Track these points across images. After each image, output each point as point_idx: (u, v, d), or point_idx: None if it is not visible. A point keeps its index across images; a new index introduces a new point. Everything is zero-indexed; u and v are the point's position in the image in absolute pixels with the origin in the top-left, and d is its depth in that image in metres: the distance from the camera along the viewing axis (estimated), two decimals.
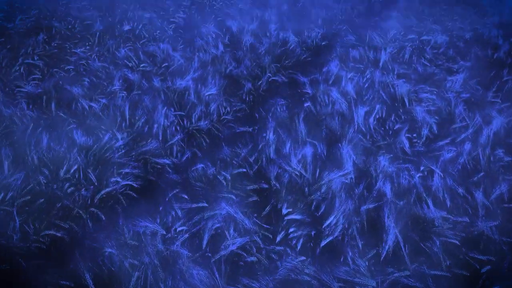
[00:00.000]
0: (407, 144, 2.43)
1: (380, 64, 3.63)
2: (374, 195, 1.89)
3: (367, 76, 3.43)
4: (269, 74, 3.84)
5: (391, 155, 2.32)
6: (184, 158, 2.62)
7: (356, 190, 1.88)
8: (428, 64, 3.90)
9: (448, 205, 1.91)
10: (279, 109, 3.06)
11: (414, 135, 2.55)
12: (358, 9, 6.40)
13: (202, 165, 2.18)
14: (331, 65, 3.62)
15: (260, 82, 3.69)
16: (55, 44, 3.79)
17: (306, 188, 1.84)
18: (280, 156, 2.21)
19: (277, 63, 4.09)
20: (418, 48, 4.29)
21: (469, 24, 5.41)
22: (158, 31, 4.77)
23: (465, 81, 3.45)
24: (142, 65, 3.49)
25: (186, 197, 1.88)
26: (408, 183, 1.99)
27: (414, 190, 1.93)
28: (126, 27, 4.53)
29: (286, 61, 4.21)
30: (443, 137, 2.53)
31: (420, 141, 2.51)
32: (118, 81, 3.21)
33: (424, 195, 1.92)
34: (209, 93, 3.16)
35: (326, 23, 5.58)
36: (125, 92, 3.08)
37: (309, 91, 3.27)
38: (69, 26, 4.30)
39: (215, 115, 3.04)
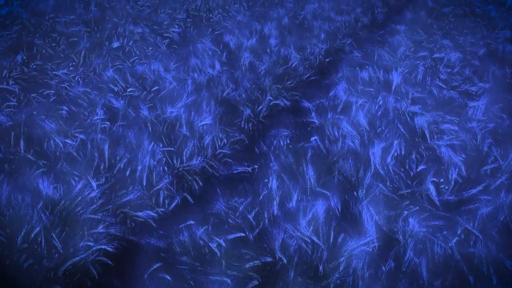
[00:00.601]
0: (434, 192, 2.04)
1: (393, 87, 3.24)
2: (406, 271, 1.50)
3: (380, 102, 3.04)
4: (270, 97, 3.45)
5: (418, 208, 1.93)
6: (173, 205, 2.22)
7: (383, 266, 1.49)
8: (443, 86, 3.52)
9: (495, 283, 1.52)
10: (282, 143, 2.67)
11: (441, 179, 2.16)
12: (362, 22, 6.03)
13: (192, 222, 1.78)
14: (338, 89, 3.23)
15: (260, 107, 3.30)
16: (35, 66, 3.39)
17: (321, 266, 1.45)
18: (285, 213, 1.81)
19: (278, 84, 3.70)
20: (431, 67, 3.91)
21: (480, 38, 5.04)
22: (150, 48, 4.38)
23: (487, 107, 3.07)
24: (129, 90, 3.10)
25: (168, 278, 1.49)
26: (444, 252, 1.60)
27: (453, 264, 1.54)
28: (115, 44, 4.14)
29: (288, 82, 3.83)
30: (475, 182, 2.14)
31: (448, 187, 2.12)
32: (101, 109, 2.81)
33: (466, 271, 1.52)
34: (203, 123, 2.77)
35: (329, 37, 5.20)
36: (107, 123, 2.69)
37: (315, 121, 2.88)
38: (53, 44, 3.91)
39: (209, 150, 2.65)
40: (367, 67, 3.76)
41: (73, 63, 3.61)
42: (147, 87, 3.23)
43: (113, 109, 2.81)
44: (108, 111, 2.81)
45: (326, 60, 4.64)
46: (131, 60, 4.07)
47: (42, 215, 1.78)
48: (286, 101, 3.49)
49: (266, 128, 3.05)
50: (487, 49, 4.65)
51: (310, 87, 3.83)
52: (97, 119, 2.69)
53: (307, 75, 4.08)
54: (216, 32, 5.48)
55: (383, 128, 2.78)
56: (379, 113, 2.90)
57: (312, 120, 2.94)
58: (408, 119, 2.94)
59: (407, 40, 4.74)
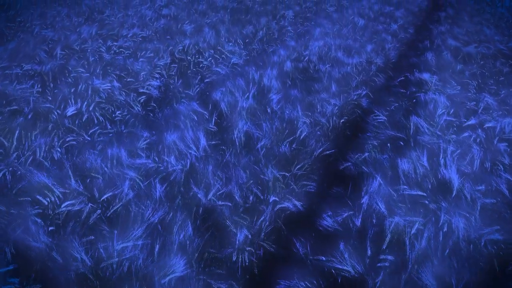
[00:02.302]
0: None
1: (453, 192, 2.15)
2: None
3: (440, 223, 1.94)
4: (275, 198, 2.34)
5: None
6: None
7: None
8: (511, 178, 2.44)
9: None
10: None
11: None
12: (376, 65, 4.98)
13: None
14: (372, 194, 2.13)
15: (261, 218, 2.20)
16: None
17: None
18: None
19: (284, 170, 2.60)
20: (486, 143, 2.84)
21: None
22: (118, 112, 3.28)
23: None
24: (64, 205, 1.98)
25: None
26: None
27: None
28: (71, 110, 3.04)
29: (298, 166, 2.73)
30: None
31: None
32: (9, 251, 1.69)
33: None
34: (170, 276, 1.66)
35: (341, 88, 4.13)
36: None
37: (347, 259, 1.78)
38: None
39: None
40: (404, 147, 2.67)
41: (3, 149, 2.49)
42: (95, 195, 2.12)
43: (29, 255, 1.69)
44: (19, 258, 1.68)
45: (341, 121, 3.55)
46: (90, 132, 2.97)
47: None
48: (296, 202, 2.39)
49: (271, 266, 1.93)
50: None
51: (329, 177, 2.75)
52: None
53: (320, 150, 2.98)
54: (207, 80, 4.41)
55: (459, 277, 1.67)
56: (446, 248, 1.80)
57: (339, 257, 1.83)
58: (485, 252, 1.84)
59: (439, 95, 3.68)
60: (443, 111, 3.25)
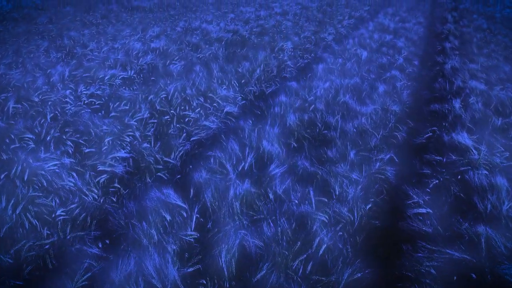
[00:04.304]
0: None
1: None
2: None
3: None
4: None
5: None
6: None
7: None
8: None
9: None
10: None
11: None
12: (393, 113, 3.95)
13: None
14: None
15: None
16: None
17: None
18: None
19: None
20: None
21: None
22: (62, 209, 2.20)
23: None
24: None
25: None
26: None
27: None
28: None
29: None
30: None
31: None
32: None
33: None
34: None
35: (360, 150, 3.10)
36: None
37: None
38: None
39: None
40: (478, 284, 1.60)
41: None
42: None
43: None
44: None
45: (367, 207, 2.49)
46: (13, 251, 1.88)
47: None
48: None
49: None
50: None
51: None
52: None
53: (348, 273, 1.92)
54: (193, 138, 3.35)
55: None
56: None
57: None
58: None
59: (494, 172, 2.64)
60: (509, 204, 2.20)
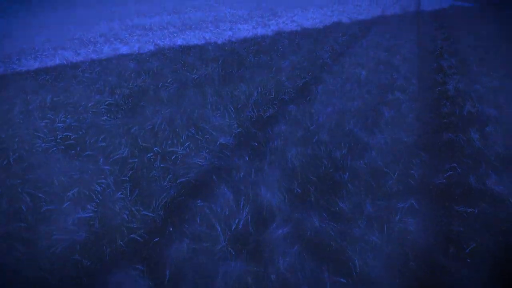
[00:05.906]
0: None
1: None
2: None
3: None
4: None
5: None
6: None
7: None
8: None
9: None
10: None
11: None
12: (405, 144, 3.32)
13: None
14: None
15: None
16: None
17: None
18: None
19: None
20: None
21: None
22: None
23: None
24: None
25: None
26: None
27: None
28: None
29: None
30: None
31: None
32: None
33: None
34: None
35: (376, 197, 2.46)
36: None
37: None
38: None
39: None
40: None
41: None
42: None
43: None
44: None
45: None
46: None
47: None
48: None
49: None
50: None
51: None
52: None
53: None
54: (180, 180, 2.69)
55: None
56: None
57: None
58: None
59: None
60: None
